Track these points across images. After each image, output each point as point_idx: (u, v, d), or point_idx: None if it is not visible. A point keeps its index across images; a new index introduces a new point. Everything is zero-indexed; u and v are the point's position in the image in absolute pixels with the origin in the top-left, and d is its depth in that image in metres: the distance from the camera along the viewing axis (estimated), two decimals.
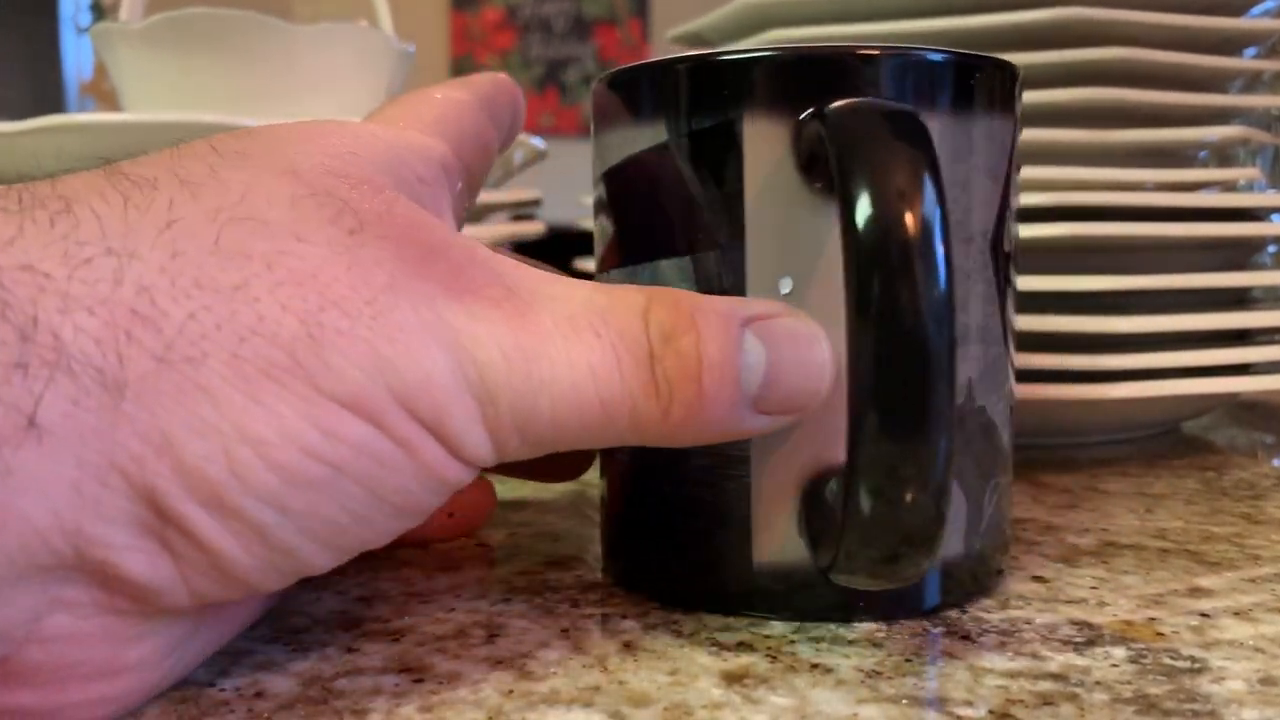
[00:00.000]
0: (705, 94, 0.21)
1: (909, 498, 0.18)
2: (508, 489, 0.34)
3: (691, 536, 0.23)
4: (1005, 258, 0.23)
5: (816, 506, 0.21)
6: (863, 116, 0.19)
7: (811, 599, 0.22)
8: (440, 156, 0.22)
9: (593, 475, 0.36)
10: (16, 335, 0.14)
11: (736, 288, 0.21)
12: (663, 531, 0.23)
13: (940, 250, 0.18)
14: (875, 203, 0.18)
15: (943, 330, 0.18)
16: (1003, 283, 0.23)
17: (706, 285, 0.22)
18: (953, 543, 0.22)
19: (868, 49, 0.21)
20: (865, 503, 0.18)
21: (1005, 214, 0.23)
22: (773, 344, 0.19)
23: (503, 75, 0.25)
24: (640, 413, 0.19)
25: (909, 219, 0.18)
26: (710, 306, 0.19)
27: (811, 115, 0.20)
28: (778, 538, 0.22)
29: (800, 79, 0.21)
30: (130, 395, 0.15)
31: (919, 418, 0.18)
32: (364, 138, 0.20)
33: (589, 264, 0.61)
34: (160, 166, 0.18)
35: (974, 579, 0.23)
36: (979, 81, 0.22)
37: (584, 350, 0.18)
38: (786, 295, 0.21)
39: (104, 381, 0.15)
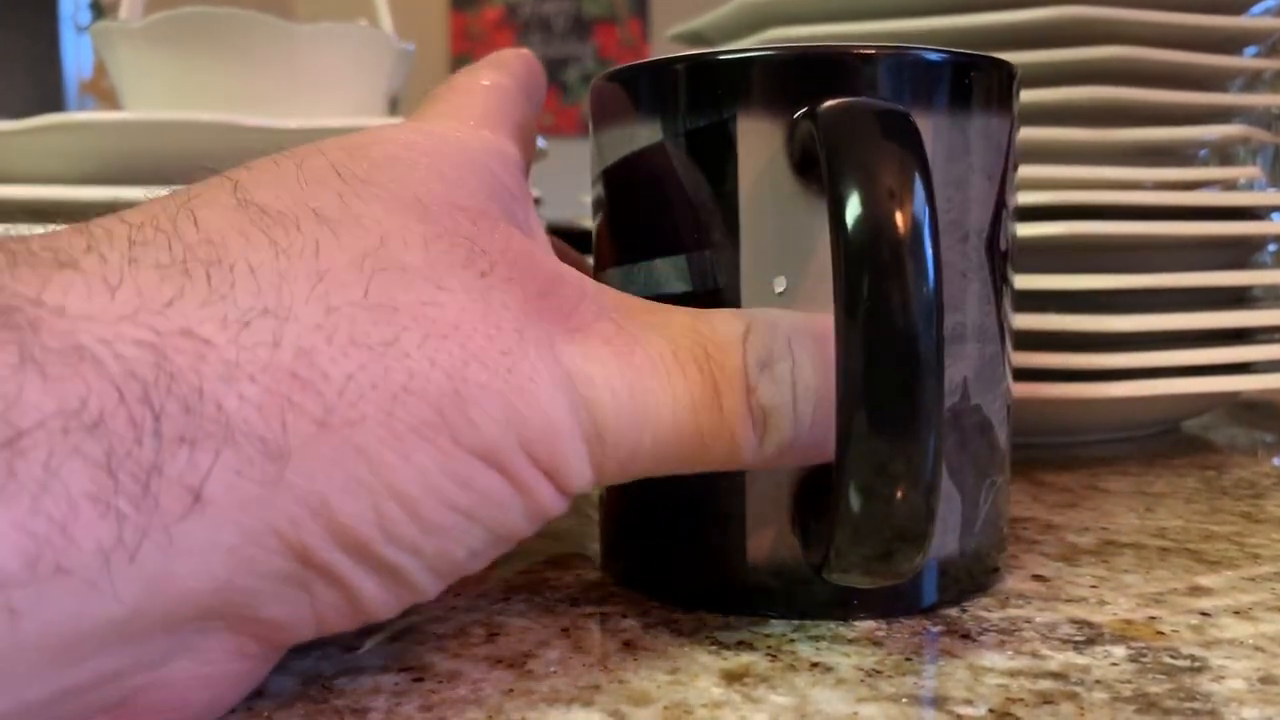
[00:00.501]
0: (700, 93, 0.21)
1: (899, 495, 0.18)
2: None
3: (687, 534, 0.23)
4: (1002, 256, 0.23)
5: (809, 504, 0.21)
6: (853, 116, 0.19)
7: (809, 596, 0.22)
8: (516, 160, 0.22)
9: None
10: (180, 408, 0.14)
11: (731, 286, 0.21)
12: (660, 530, 0.23)
13: (929, 250, 0.18)
14: (864, 202, 0.18)
15: (931, 329, 0.18)
16: (999, 282, 0.23)
17: (701, 283, 0.22)
18: (948, 541, 0.22)
19: (862, 48, 0.21)
20: (855, 500, 0.18)
21: (1002, 213, 0.23)
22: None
23: (528, 53, 0.25)
24: (738, 442, 0.19)
25: (898, 218, 0.18)
26: (807, 329, 0.20)
27: (804, 115, 0.20)
28: (772, 535, 0.22)
29: (793, 78, 0.21)
30: (293, 463, 0.15)
31: (908, 415, 0.18)
32: (465, 153, 0.20)
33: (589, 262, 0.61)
34: (291, 197, 0.18)
35: (970, 577, 0.23)
36: (975, 80, 0.22)
37: (686, 385, 0.19)
38: (780, 294, 0.21)
39: (267, 451, 0.15)
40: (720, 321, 0.20)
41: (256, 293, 0.16)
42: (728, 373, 0.19)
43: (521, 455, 0.17)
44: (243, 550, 0.15)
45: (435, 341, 0.17)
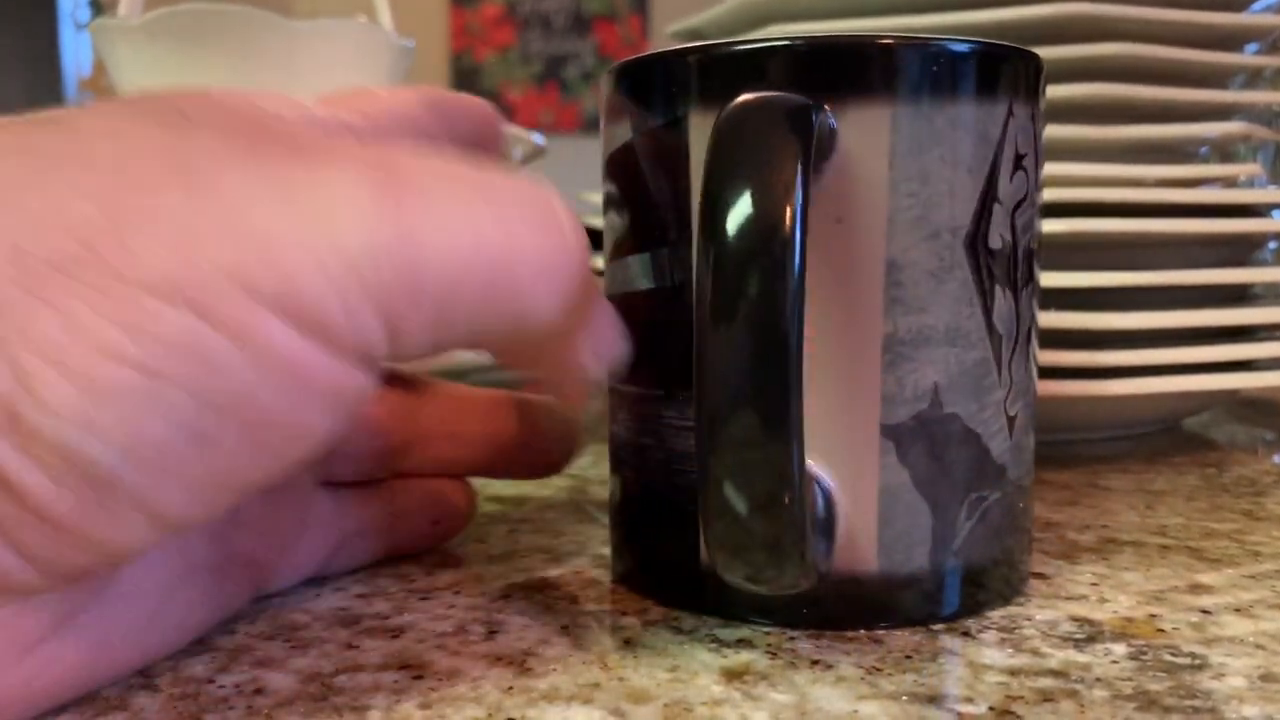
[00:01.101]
0: (657, 91, 0.22)
1: (750, 505, 0.18)
2: (507, 487, 0.34)
3: (681, 538, 0.22)
4: (993, 255, 0.21)
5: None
6: (735, 112, 0.19)
7: (767, 602, 0.21)
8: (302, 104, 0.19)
9: (594, 472, 0.36)
10: None
11: (687, 284, 0.21)
12: (663, 531, 0.23)
13: (774, 255, 0.17)
14: (709, 201, 0.18)
15: (770, 334, 0.17)
16: (988, 282, 0.21)
17: (662, 280, 0.22)
18: (913, 556, 0.21)
19: (789, 41, 0.20)
20: (707, 509, 0.18)
21: (992, 209, 0.21)
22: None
23: (476, 99, 0.23)
24: (549, 281, 0.17)
25: (733, 221, 0.18)
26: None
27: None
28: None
29: (731, 75, 0.21)
30: None
31: (751, 425, 0.17)
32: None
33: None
34: None
35: (950, 595, 0.22)
36: (944, 69, 0.21)
37: (468, 222, 0.16)
38: None
39: None
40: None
41: None
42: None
43: (220, 280, 0.14)
44: None
45: (90, 177, 0.14)
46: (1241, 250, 0.41)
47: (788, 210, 0.17)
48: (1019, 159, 0.22)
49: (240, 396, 0.14)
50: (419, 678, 0.19)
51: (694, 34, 0.45)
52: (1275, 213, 0.41)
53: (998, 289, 0.22)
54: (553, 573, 0.25)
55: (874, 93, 0.20)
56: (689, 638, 0.21)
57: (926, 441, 0.21)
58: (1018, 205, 0.22)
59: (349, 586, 0.25)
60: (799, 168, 0.18)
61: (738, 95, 0.19)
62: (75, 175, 0.14)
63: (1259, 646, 0.20)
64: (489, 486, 0.35)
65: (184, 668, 0.20)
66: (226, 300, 0.14)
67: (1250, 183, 0.44)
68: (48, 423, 0.13)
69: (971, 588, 0.22)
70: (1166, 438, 0.42)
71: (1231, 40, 0.40)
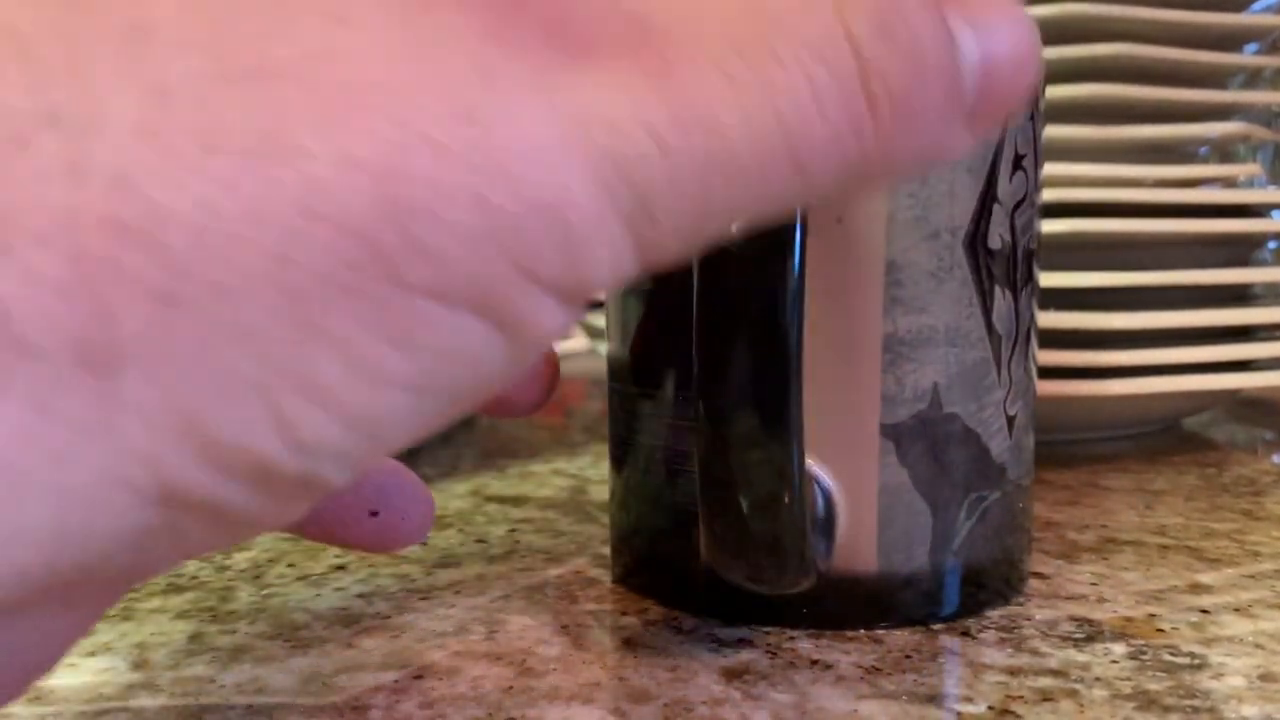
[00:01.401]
0: None
1: (744, 505, 0.18)
2: (507, 485, 0.34)
3: (682, 538, 0.22)
4: (992, 256, 0.21)
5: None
6: None
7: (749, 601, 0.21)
8: None
9: (594, 472, 0.36)
10: None
11: (686, 283, 0.21)
12: (663, 531, 0.23)
13: (775, 254, 0.17)
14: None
15: (770, 334, 0.18)
16: (988, 282, 0.21)
17: (661, 280, 0.22)
18: (914, 555, 0.21)
19: None
20: (707, 509, 0.18)
21: (992, 209, 0.21)
22: (984, 29, 0.13)
23: None
24: (848, 153, 0.13)
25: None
26: None
27: None
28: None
29: None
30: (132, 370, 0.10)
31: (752, 426, 0.18)
32: None
33: None
34: None
35: (948, 595, 0.22)
36: None
37: (763, 91, 0.12)
38: None
39: (87, 359, 0.09)
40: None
41: (36, 82, 0.09)
42: (828, 56, 0.12)
43: (516, 280, 0.11)
44: (75, 513, 0.10)
45: (347, 120, 0.10)
46: (1241, 250, 0.41)
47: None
48: (1018, 159, 0.22)
49: (490, 380, 0.12)
50: (419, 677, 0.19)
51: None
52: (1275, 213, 0.41)
53: (997, 289, 0.22)
54: (553, 572, 0.25)
55: None
56: (689, 637, 0.21)
57: (926, 441, 0.21)
58: (1017, 205, 0.22)
59: (349, 586, 0.25)
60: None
61: None
62: (323, 114, 0.10)
63: (1258, 646, 0.20)
64: (489, 487, 0.35)
65: (185, 667, 0.20)
66: (519, 296, 0.11)
67: (1250, 183, 0.44)
68: (302, 463, 0.11)
69: (971, 587, 0.22)
70: (1166, 437, 0.42)
71: (1231, 40, 0.40)
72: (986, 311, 0.21)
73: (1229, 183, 0.41)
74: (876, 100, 0.12)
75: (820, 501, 0.21)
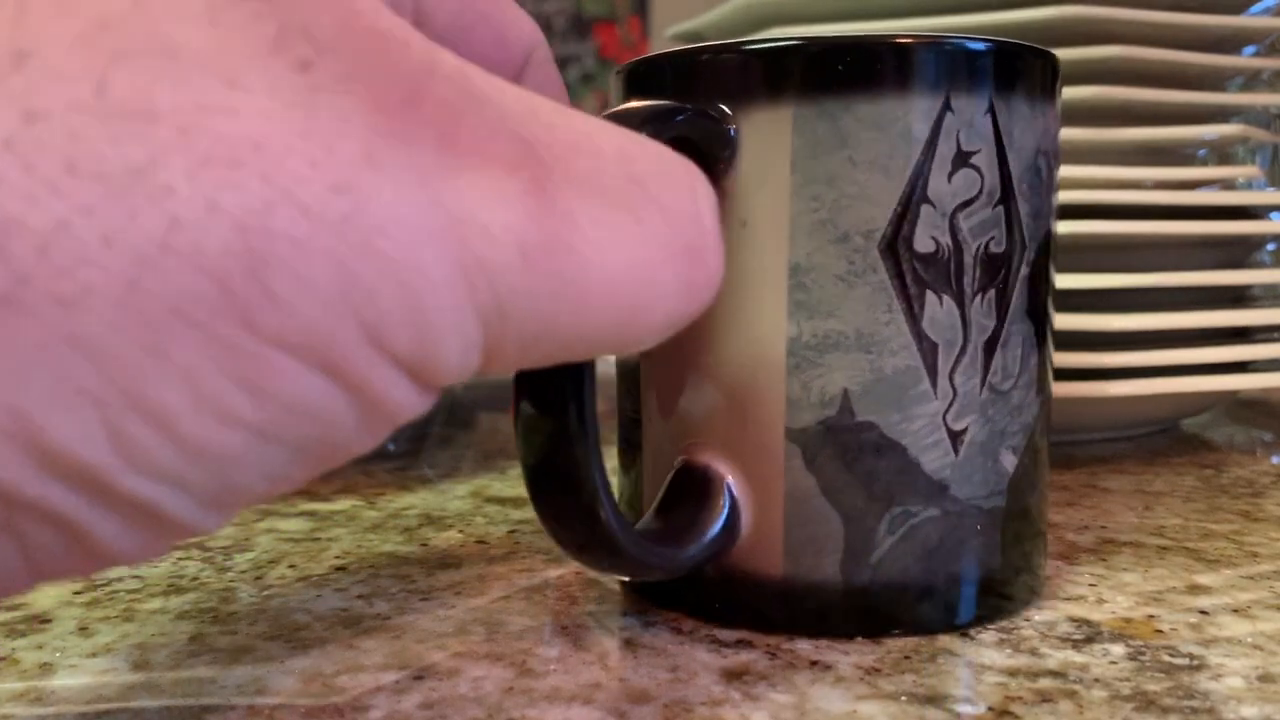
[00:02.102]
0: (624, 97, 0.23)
1: (554, 520, 0.19)
2: (507, 486, 0.34)
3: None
4: (922, 260, 0.20)
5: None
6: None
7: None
8: None
9: None
10: None
11: None
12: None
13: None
14: None
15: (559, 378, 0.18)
16: (914, 288, 0.20)
17: None
18: (822, 565, 0.21)
19: (697, 49, 0.21)
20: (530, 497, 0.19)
21: (919, 210, 0.20)
22: None
23: None
24: (680, 307, 0.14)
25: None
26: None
27: None
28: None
29: (649, 83, 0.22)
30: None
31: (548, 433, 0.18)
32: None
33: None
34: None
35: (866, 611, 0.21)
36: (851, 66, 0.20)
37: (620, 239, 0.13)
38: None
39: None
40: (657, 149, 0.15)
41: None
42: (679, 224, 0.14)
43: (363, 345, 0.12)
44: None
45: (222, 172, 0.11)
46: (1239, 252, 0.41)
47: None
48: (965, 156, 0.20)
49: (341, 446, 0.13)
50: (420, 678, 0.19)
51: (694, 36, 0.45)
52: (1273, 214, 0.41)
53: (929, 295, 0.20)
54: (553, 573, 0.25)
55: (774, 95, 0.20)
56: (689, 638, 0.21)
57: (836, 448, 0.20)
58: (962, 206, 0.20)
59: (350, 587, 0.25)
60: None
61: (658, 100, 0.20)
62: (198, 162, 0.11)
63: (1257, 647, 0.21)
64: (489, 488, 0.35)
65: (185, 668, 0.20)
66: (364, 363, 0.12)
67: (1248, 185, 0.44)
68: (139, 485, 0.11)
69: (895, 607, 0.21)
70: (1165, 438, 0.42)
71: (1229, 43, 0.40)
72: (913, 318, 0.20)
73: (1227, 185, 0.41)
74: (710, 268, 0.14)
75: (726, 499, 0.21)
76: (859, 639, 0.21)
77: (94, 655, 0.21)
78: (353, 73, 0.12)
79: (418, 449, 0.43)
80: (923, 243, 0.20)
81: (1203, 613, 0.22)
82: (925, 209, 0.20)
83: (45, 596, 0.24)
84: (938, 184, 0.20)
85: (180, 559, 0.27)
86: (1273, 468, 0.37)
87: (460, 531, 0.29)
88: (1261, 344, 0.37)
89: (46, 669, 0.20)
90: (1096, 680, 0.19)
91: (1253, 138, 0.40)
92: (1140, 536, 0.28)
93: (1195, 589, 0.24)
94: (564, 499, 0.18)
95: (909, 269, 0.20)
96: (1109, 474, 0.36)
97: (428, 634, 0.22)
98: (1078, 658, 0.20)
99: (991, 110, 0.20)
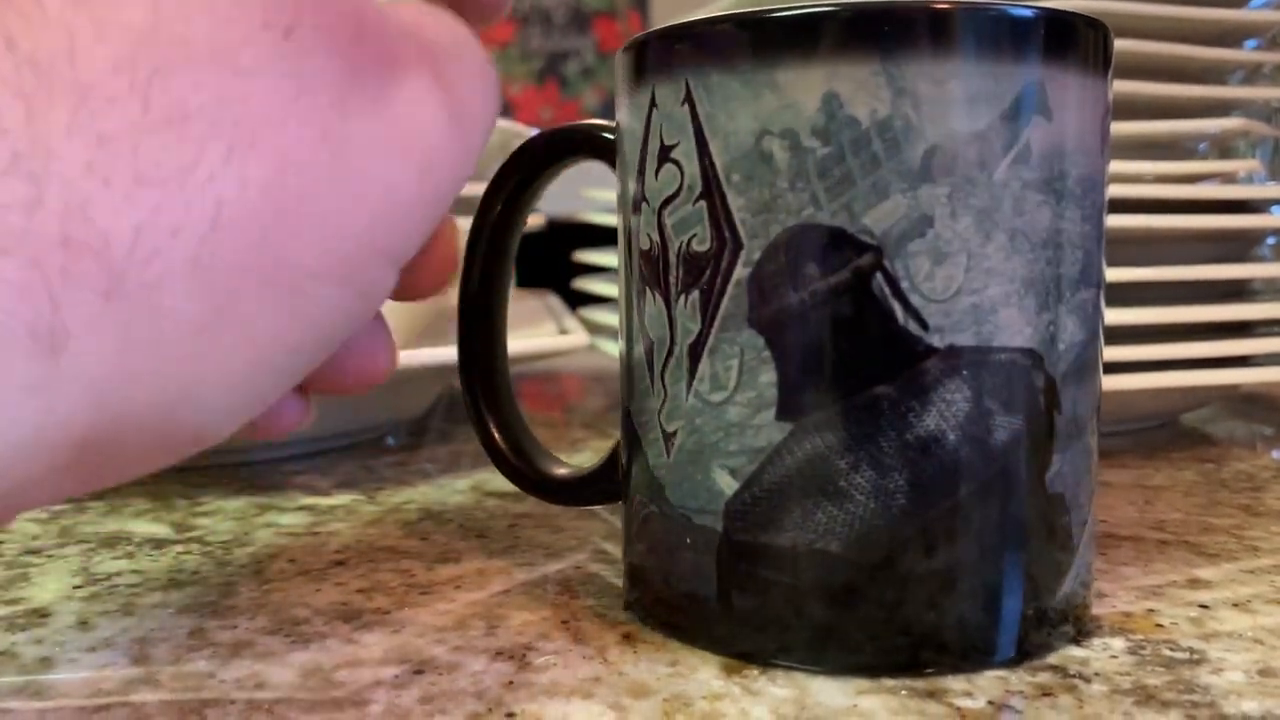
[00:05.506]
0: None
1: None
2: (508, 483, 0.34)
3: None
4: (643, 257, 0.20)
5: None
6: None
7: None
8: None
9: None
10: None
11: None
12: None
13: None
14: None
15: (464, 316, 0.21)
16: (638, 284, 0.21)
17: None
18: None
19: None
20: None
21: (639, 208, 0.20)
22: None
23: None
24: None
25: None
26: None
27: None
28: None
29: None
30: (73, 350, 0.13)
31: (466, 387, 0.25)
32: None
33: (590, 256, 0.61)
34: None
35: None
36: (626, 59, 0.21)
37: (477, 97, 0.18)
38: None
39: (36, 343, 0.12)
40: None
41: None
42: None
43: (368, 253, 0.15)
44: (5, 458, 0.13)
45: (243, 152, 0.13)
46: (1240, 246, 0.41)
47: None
48: (665, 151, 0.20)
49: (337, 339, 0.16)
50: (420, 672, 0.19)
51: None
52: (1274, 208, 0.41)
53: (647, 290, 0.20)
54: (553, 568, 0.25)
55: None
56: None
57: (624, 431, 0.22)
58: (666, 202, 0.20)
59: (349, 581, 0.25)
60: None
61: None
62: (227, 150, 0.13)
63: (1257, 641, 0.20)
64: (489, 482, 0.35)
65: (185, 662, 0.20)
66: (370, 267, 0.15)
67: (1249, 178, 0.44)
68: (198, 420, 0.15)
69: (637, 590, 0.22)
70: (1165, 433, 0.42)
71: (1230, 36, 0.40)
72: (642, 314, 0.21)
73: (1228, 178, 0.41)
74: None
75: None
76: None
77: (93, 649, 0.21)
78: (319, 25, 0.14)
79: (417, 444, 0.43)
80: (643, 239, 0.20)
81: (1203, 607, 0.22)
82: (644, 206, 0.20)
83: (45, 590, 0.24)
84: (650, 181, 0.20)
85: (180, 553, 0.27)
86: (1273, 462, 0.37)
87: (460, 526, 0.29)
88: (1262, 338, 0.37)
89: (46, 663, 0.20)
90: (1097, 674, 0.19)
91: (1253, 132, 0.40)
92: (1140, 531, 0.28)
93: (1195, 583, 0.24)
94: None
95: (638, 265, 0.21)
96: (1109, 468, 0.35)
97: (427, 628, 0.22)
98: (1077, 652, 0.20)
99: (689, 99, 0.19)
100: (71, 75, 0.12)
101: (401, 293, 0.23)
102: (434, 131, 0.16)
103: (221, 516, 0.31)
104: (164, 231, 0.13)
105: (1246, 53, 0.39)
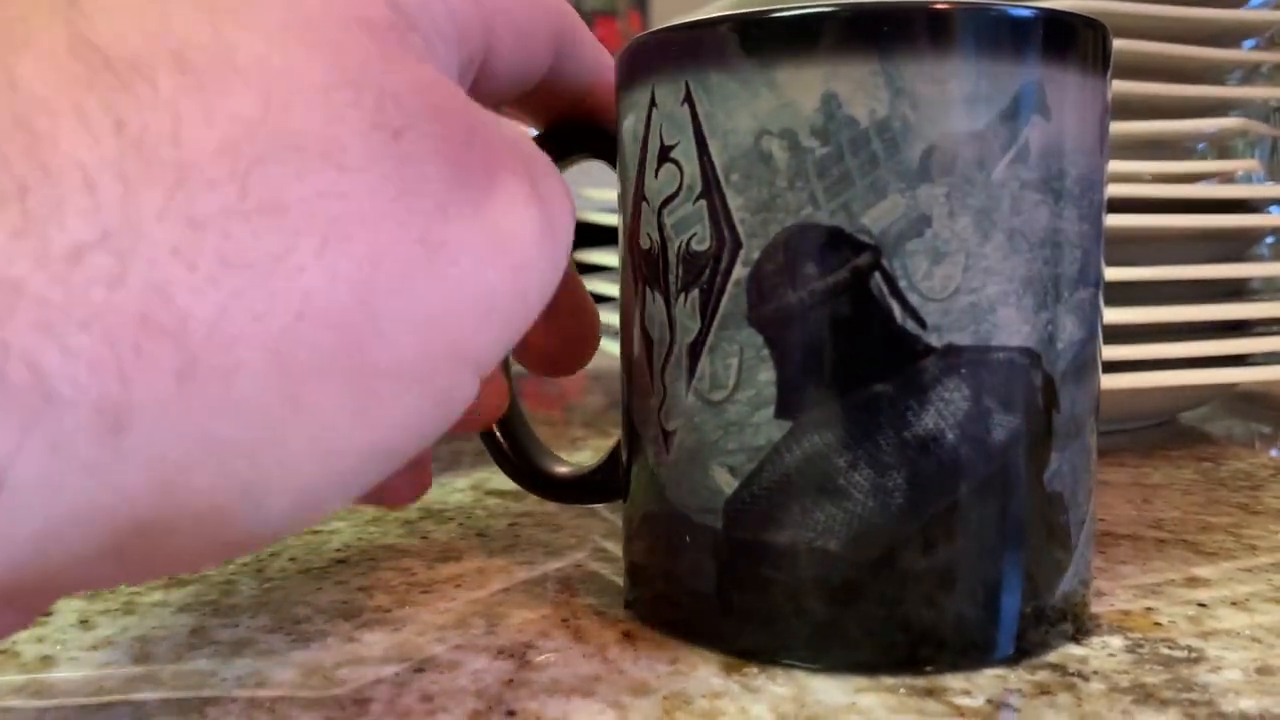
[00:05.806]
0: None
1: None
2: (508, 479, 0.34)
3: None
4: (644, 255, 0.21)
5: None
6: None
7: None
8: None
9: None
10: None
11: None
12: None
13: None
14: None
15: None
16: (639, 283, 0.21)
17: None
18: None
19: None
20: None
21: (639, 208, 0.21)
22: None
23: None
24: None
25: None
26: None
27: None
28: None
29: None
30: (137, 430, 0.12)
31: None
32: None
33: (594, 256, 0.61)
34: (145, 25, 0.13)
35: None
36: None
37: (561, 209, 0.17)
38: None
39: (102, 419, 0.12)
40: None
41: (91, 211, 0.12)
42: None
43: (450, 360, 0.15)
44: (55, 533, 0.12)
45: (337, 246, 0.13)
46: (1238, 245, 0.41)
47: None
48: (665, 151, 0.20)
49: (416, 446, 0.15)
50: (420, 671, 0.20)
51: None
52: (1272, 208, 0.41)
53: (648, 289, 0.21)
54: (553, 566, 0.25)
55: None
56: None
57: (624, 431, 0.22)
58: (666, 201, 0.20)
59: (350, 579, 0.25)
60: None
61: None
62: (320, 243, 0.13)
63: (1255, 639, 0.21)
64: (490, 481, 0.35)
65: (186, 661, 0.20)
66: (451, 373, 0.15)
67: (1248, 178, 0.44)
68: (255, 522, 0.14)
69: (635, 587, 0.22)
70: (1163, 432, 0.42)
71: (1229, 35, 0.40)
72: (642, 312, 0.21)
73: (1226, 178, 0.41)
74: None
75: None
76: None
77: (95, 648, 0.21)
78: (430, 132, 0.14)
79: None
80: (643, 239, 0.21)
81: (1201, 605, 0.22)
82: (644, 206, 0.20)
83: None
84: (650, 180, 0.20)
85: None
86: (1271, 461, 0.37)
87: (460, 524, 0.30)
88: (1260, 337, 0.37)
89: (47, 662, 0.20)
90: (1095, 673, 0.19)
91: (1252, 131, 0.40)
92: (1138, 529, 0.28)
93: (1193, 582, 0.24)
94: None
95: (638, 264, 0.21)
96: (1107, 467, 0.36)
97: (428, 626, 0.22)
98: (1076, 650, 0.20)
99: (689, 99, 0.19)
100: (174, 156, 0.12)
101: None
102: (529, 238, 0.16)
103: None
104: (245, 316, 0.12)
105: (1245, 52, 0.39)
